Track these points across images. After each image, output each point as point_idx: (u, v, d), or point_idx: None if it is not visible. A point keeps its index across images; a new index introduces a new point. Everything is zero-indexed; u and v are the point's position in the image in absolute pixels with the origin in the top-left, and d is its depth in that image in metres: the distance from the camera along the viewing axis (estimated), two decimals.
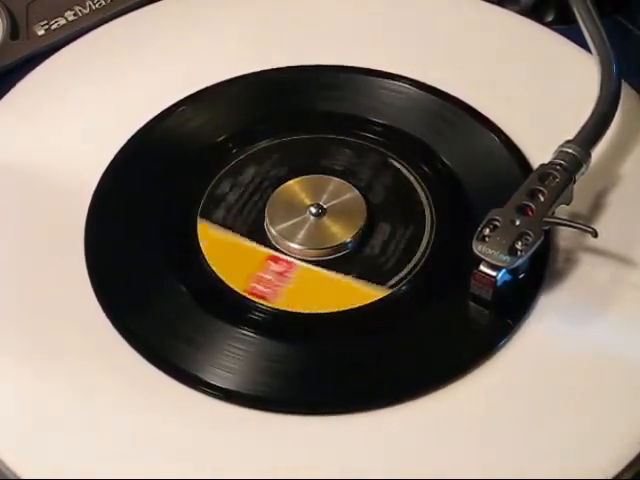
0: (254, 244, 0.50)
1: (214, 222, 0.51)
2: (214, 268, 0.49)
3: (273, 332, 0.47)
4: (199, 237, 0.50)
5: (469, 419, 0.44)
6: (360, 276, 0.48)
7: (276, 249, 0.50)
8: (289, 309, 0.48)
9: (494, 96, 0.55)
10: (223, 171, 0.53)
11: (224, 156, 0.53)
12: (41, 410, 0.45)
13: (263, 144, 0.54)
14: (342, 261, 0.49)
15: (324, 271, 0.49)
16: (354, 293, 0.48)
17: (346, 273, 0.49)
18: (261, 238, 0.50)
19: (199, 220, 0.51)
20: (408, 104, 0.55)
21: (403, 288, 0.48)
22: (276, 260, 0.49)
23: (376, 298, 0.48)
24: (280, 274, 0.49)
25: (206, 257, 0.49)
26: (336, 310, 0.47)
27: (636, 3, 0.61)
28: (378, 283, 0.48)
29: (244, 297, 0.48)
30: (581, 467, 0.43)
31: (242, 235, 0.50)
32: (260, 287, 0.48)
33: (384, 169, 0.53)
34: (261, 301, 0.48)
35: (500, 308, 0.47)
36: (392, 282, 0.48)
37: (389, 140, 0.54)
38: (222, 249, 0.50)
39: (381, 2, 0.61)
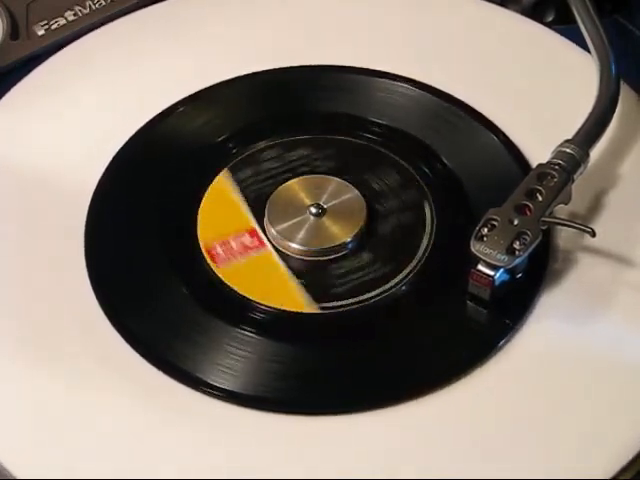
0: (249, 213, 0.51)
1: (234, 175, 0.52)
2: (199, 216, 0.50)
3: (273, 332, 0.47)
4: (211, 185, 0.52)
5: (469, 419, 0.44)
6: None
7: (263, 228, 0.50)
8: (225, 281, 0.48)
9: (494, 96, 0.55)
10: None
11: (224, 156, 0.53)
12: (40, 410, 0.45)
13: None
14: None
15: (284, 267, 0.49)
16: (290, 296, 0.48)
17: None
18: (257, 211, 0.51)
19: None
20: (408, 104, 0.55)
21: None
22: (252, 235, 0.50)
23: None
24: (245, 248, 0.49)
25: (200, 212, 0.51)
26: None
27: (636, 3, 0.61)
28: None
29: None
30: (581, 467, 0.43)
31: (245, 201, 0.51)
32: (219, 250, 0.49)
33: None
34: (211, 263, 0.49)
35: (500, 309, 0.47)
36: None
37: (389, 140, 0.54)
38: (218, 205, 0.51)
39: (381, 2, 0.61)
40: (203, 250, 0.50)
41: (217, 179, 0.52)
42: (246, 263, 0.49)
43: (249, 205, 0.51)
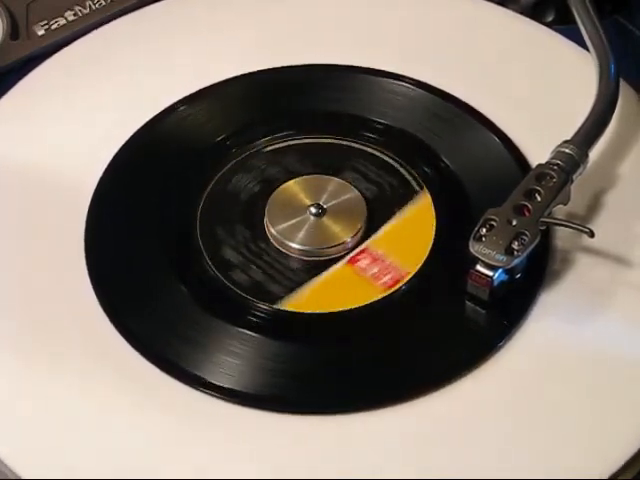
0: None
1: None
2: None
3: (273, 332, 0.47)
4: None
5: (469, 419, 0.44)
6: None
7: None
8: (225, 280, 0.48)
9: (494, 96, 0.55)
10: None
11: (224, 156, 0.53)
12: (40, 410, 0.45)
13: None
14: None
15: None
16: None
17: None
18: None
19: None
20: (408, 104, 0.55)
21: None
22: None
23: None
24: None
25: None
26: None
27: (636, 3, 0.61)
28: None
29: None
30: (581, 467, 0.43)
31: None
32: None
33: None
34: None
35: (500, 309, 0.47)
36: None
37: (389, 140, 0.54)
38: None
39: (381, 2, 0.61)
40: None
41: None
42: None
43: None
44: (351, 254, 0.49)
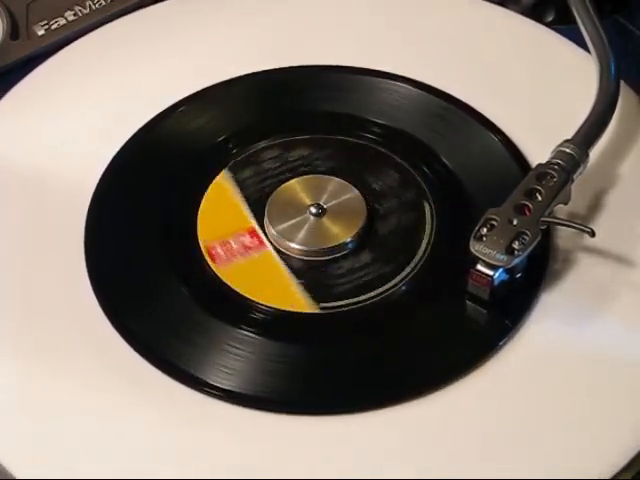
0: (249, 213, 0.51)
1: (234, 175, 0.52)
2: (199, 216, 0.50)
3: (273, 332, 0.47)
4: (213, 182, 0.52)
5: (469, 419, 0.44)
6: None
7: (263, 228, 0.50)
8: (225, 281, 0.48)
9: (494, 96, 0.55)
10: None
11: (224, 156, 0.53)
12: (40, 410, 0.45)
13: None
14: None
15: (284, 267, 0.49)
16: (290, 296, 0.48)
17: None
18: (257, 211, 0.51)
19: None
20: (408, 104, 0.55)
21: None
22: (252, 235, 0.50)
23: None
24: (245, 248, 0.49)
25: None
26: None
27: (636, 3, 0.61)
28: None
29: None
30: (581, 467, 0.43)
31: (245, 201, 0.51)
32: (219, 250, 0.49)
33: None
34: (211, 263, 0.49)
35: (500, 309, 0.47)
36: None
37: (389, 140, 0.54)
38: (219, 205, 0.51)
39: (381, 2, 0.61)
40: (203, 250, 0.50)
41: (217, 179, 0.52)
42: (246, 263, 0.49)
43: (249, 205, 0.51)
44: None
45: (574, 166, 0.48)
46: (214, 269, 0.49)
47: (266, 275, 0.49)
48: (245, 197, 0.52)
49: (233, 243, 0.50)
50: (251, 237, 0.50)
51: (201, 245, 0.50)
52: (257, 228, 0.50)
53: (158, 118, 0.55)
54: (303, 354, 0.47)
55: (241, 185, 0.52)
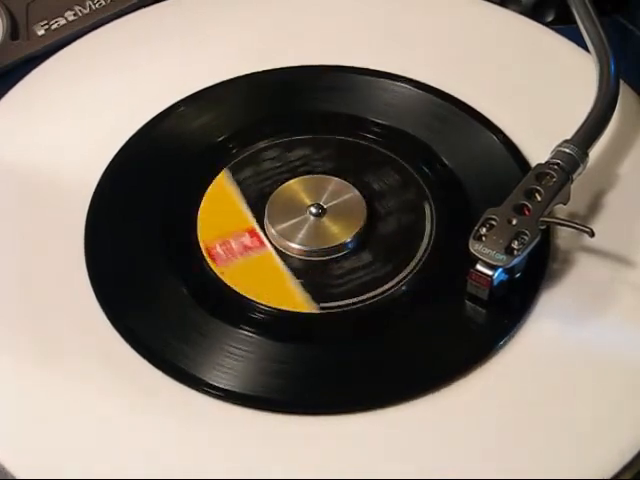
0: (249, 213, 0.51)
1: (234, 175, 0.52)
2: (199, 216, 0.50)
3: (273, 332, 0.47)
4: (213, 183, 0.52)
5: (469, 419, 0.44)
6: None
7: (263, 228, 0.50)
8: (225, 281, 0.48)
9: (494, 96, 0.55)
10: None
11: (224, 156, 0.53)
12: (41, 410, 0.45)
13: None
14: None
15: (284, 267, 0.49)
16: (290, 296, 0.48)
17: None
18: (257, 211, 0.51)
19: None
20: (408, 104, 0.55)
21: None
22: (252, 235, 0.50)
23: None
24: (245, 247, 0.49)
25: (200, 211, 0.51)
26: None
27: (636, 3, 0.61)
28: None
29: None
30: (581, 467, 0.43)
31: (245, 201, 0.51)
32: (219, 250, 0.49)
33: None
34: (211, 263, 0.49)
35: (500, 308, 0.47)
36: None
37: (389, 140, 0.54)
38: (219, 205, 0.51)
39: (381, 2, 0.61)
40: (203, 250, 0.50)
41: (217, 179, 0.52)
42: (246, 263, 0.49)
43: (249, 205, 0.51)
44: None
45: (574, 166, 0.48)
46: (214, 269, 0.49)
47: (266, 275, 0.49)
48: (245, 197, 0.52)
49: (233, 243, 0.50)
50: (251, 237, 0.50)
51: (201, 245, 0.50)
52: (257, 228, 0.50)
53: (158, 118, 0.55)
54: (303, 354, 0.47)
55: (241, 185, 0.52)
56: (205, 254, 0.49)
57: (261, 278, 0.49)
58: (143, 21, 0.60)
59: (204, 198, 0.52)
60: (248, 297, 0.48)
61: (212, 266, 0.49)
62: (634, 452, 0.43)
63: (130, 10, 0.60)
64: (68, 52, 0.58)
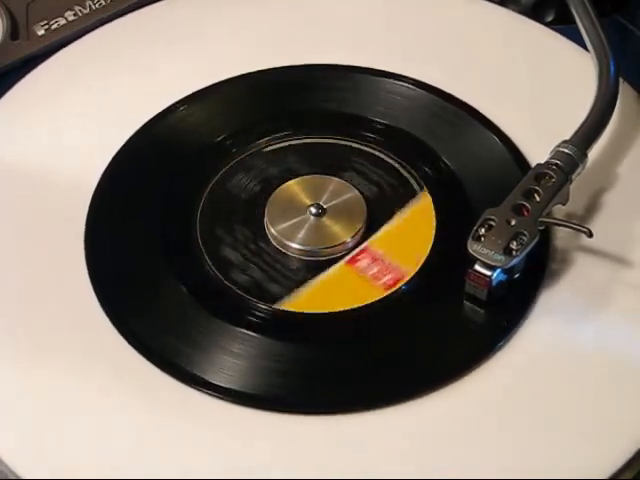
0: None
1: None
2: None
3: (273, 332, 0.47)
4: None
5: (469, 419, 0.44)
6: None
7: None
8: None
9: (494, 96, 0.55)
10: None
11: (224, 156, 0.54)
12: (41, 410, 0.45)
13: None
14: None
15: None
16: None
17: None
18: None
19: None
20: (408, 104, 0.55)
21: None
22: None
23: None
24: None
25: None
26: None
27: (636, 3, 0.61)
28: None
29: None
30: (581, 467, 0.43)
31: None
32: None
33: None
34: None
35: (499, 309, 0.47)
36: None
37: (389, 140, 0.54)
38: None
39: (382, 2, 0.61)
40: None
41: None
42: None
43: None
44: (351, 254, 0.49)
45: (572, 166, 0.48)
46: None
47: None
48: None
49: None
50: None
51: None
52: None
53: (158, 118, 0.55)
54: (303, 354, 0.47)
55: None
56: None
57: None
58: (143, 21, 0.60)
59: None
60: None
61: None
62: (634, 452, 0.43)
63: (130, 10, 0.60)
64: (68, 52, 0.58)
